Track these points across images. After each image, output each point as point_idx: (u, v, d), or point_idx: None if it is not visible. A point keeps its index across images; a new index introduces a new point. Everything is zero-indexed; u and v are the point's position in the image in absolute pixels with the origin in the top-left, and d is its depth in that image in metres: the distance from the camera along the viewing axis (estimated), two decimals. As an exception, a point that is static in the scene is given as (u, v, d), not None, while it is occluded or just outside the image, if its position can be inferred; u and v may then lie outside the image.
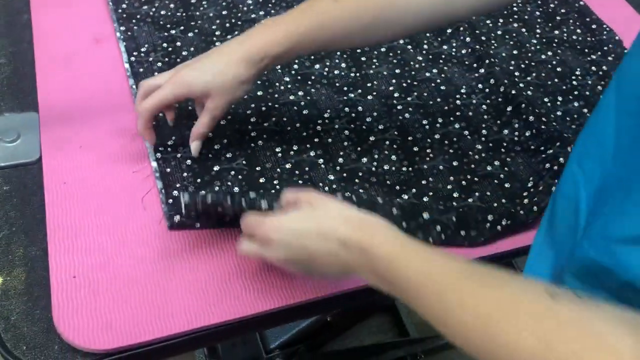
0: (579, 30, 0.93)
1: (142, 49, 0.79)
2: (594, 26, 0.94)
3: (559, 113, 0.80)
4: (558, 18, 0.95)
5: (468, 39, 0.88)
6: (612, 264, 0.43)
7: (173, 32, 0.82)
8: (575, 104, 0.82)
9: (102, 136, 0.70)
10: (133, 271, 0.59)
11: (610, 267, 0.43)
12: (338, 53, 0.83)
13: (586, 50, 0.90)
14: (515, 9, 0.96)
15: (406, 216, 0.63)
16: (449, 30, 0.89)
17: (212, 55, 0.61)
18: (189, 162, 0.67)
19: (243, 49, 0.60)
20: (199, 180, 0.66)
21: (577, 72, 0.86)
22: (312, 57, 0.82)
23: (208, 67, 0.61)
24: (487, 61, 0.84)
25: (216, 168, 0.67)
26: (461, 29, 0.89)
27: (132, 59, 0.77)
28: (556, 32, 0.93)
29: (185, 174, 0.66)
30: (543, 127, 0.75)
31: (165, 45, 0.80)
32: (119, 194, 0.65)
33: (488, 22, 0.92)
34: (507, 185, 0.70)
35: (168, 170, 0.66)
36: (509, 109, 0.79)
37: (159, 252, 0.61)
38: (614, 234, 0.43)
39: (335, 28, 0.59)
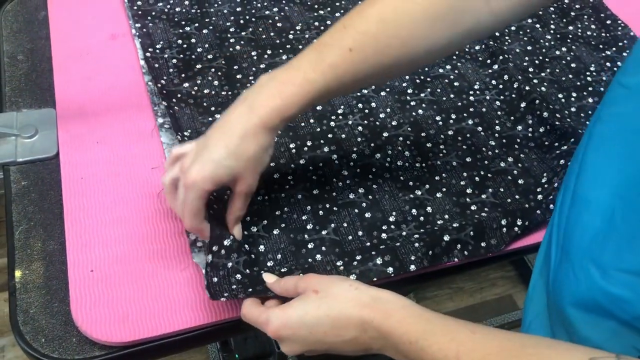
0: (593, 26, 0.93)
1: (157, 46, 0.79)
2: (608, 22, 0.94)
3: (573, 109, 0.80)
4: (572, 14, 0.95)
5: None
6: (631, 296, 0.42)
7: (188, 28, 0.82)
8: (590, 100, 0.81)
9: (119, 132, 0.70)
10: (150, 265, 0.60)
11: (628, 299, 0.42)
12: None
13: (601, 46, 0.90)
14: (529, 4, 0.95)
15: (429, 245, 0.62)
16: None
17: (220, 135, 0.54)
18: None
19: (257, 117, 0.53)
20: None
21: (592, 68, 0.86)
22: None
23: (223, 150, 0.53)
24: (500, 57, 0.84)
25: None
26: None
27: (148, 54, 0.78)
28: (570, 27, 0.92)
29: None
30: (557, 123, 0.75)
31: (180, 42, 0.80)
32: (135, 189, 0.66)
33: None
34: (520, 181, 0.70)
35: None
36: (522, 105, 0.78)
37: (176, 246, 0.61)
38: (630, 266, 0.42)
39: (352, 79, 0.55)
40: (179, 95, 0.74)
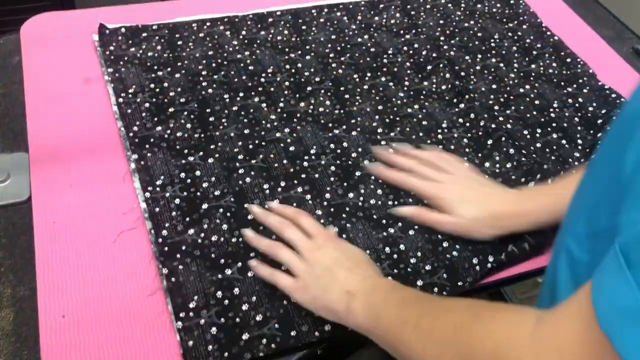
0: (554, 64, 0.97)
1: (130, 90, 0.80)
2: (568, 60, 0.98)
3: (538, 145, 0.82)
4: (534, 52, 0.99)
5: (448, 75, 0.91)
6: (589, 259, 0.48)
7: (160, 73, 0.83)
8: (554, 135, 0.84)
9: (92, 176, 0.71)
10: (122, 309, 0.59)
11: (587, 263, 0.48)
12: (322, 91, 0.85)
13: (562, 83, 0.93)
14: (493, 44, 0.99)
15: None
16: (429, 67, 0.92)
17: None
18: (177, 201, 0.68)
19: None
20: (187, 219, 0.67)
21: (555, 105, 0.89)
22: (297, 95, 0.84)
23: None
24: (467, 96, 0.87)
25: (204, 206, 0.68)
26: (441, 65, 0.92)
27: (120, 100, 0.79)
28: (533, 66, 0.96)
29: (174, 213, 0.67)
30: (523, 159, 0.78)
31: (152, 86, 0.81)
32: (108, 233, 0.65)
33: (467, 58, 0.95)
34: None
35: (157, 209, 0.67)
36: (489, 142, 0.81)
37: (148, 290, 0.61)
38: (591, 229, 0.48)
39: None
40: (151, 140, 0.74)
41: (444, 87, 0.89)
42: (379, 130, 0.81)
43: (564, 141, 0.83)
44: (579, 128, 0.86)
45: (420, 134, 0.81)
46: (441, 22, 1.02)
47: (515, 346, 0.42)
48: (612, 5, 1.15)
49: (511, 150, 0.79)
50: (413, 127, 0.82)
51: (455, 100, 0.87)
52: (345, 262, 0.60)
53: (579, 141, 0.84)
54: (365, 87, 0.87)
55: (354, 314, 0.56)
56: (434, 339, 0.49)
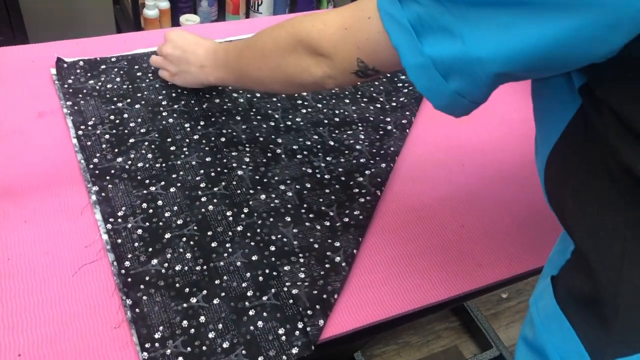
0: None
1: (90, 122, 0.79)
2: None
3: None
4: None
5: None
6: None
7: (120, 104, 0.83)
8: None
9: (48, 210, 0.69)
10: (84, 344, 0.58)
11: None
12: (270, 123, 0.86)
13: None
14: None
15: None
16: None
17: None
18: (139, 231, 0.67)
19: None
20: (150, 249, 0.66)
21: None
22: (253, 122, 0.84)
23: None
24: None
25: (167, 236, 0.67)
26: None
27: (80, 132, 0.77)
28: None
29: (136, 244, 0.66)
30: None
31: (112, 117, 0.80)
32: (66, 267, 0.64)
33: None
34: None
35: (119, 241, 0.66)
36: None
37: (111, 323, 0.60)
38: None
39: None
40: (112, 172, 0.73)
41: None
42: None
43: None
44: None
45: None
46: None
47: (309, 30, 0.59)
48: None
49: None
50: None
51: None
52: None
53: None
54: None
55: None
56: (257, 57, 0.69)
